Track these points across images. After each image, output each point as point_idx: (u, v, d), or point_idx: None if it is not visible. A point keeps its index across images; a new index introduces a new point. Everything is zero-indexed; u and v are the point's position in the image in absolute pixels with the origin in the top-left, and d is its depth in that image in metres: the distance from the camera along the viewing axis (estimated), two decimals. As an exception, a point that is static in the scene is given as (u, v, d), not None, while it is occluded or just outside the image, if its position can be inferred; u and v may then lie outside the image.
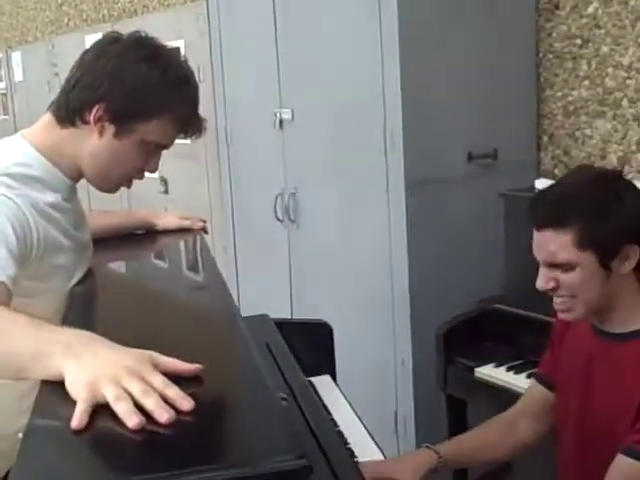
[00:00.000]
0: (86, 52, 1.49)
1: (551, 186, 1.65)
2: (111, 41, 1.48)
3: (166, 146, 1.53)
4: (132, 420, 0.85)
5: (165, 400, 0.88)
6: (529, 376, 2.27)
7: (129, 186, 1.57)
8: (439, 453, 1.70)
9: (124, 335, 1.15)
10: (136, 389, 0.89)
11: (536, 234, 1.59)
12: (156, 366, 0.94)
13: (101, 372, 0.91)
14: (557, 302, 1.60)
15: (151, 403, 0.87)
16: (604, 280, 1.54)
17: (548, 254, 1.56)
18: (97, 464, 0.80)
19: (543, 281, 1.58)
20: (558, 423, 1.77)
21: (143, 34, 1.50)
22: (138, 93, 1.43)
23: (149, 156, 1.51)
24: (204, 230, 1.94)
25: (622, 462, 1.47)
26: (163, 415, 0.86)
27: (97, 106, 1.43)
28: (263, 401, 0.93)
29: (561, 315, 1.63)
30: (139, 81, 1.43)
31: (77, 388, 0.90)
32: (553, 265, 1.56)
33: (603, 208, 1.52)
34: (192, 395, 0.88)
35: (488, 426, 1.85)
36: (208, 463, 0.77)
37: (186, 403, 0.88)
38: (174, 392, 0.89)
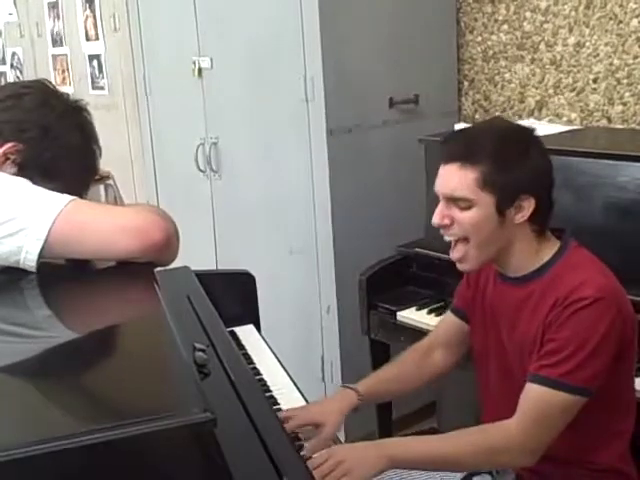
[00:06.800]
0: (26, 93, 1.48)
1: (467, 127, 1.68)
2: (54, 95, 1.50)
3: None
4: None
5: None
6: (450, 318, 2.32)
7: None
8: (358, 391, 1.76)
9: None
10: None
11: (442, 168, 1.61)
12: None
13: None
14: (453, 251, 1.64)
15: None
16: (497, 226, 1.58)
17: (449, 188, 1.59)
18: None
19: (438, 217, 1.62)
20: (476, 362, 1.81)
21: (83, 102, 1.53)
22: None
23: None
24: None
25: (531, 390, 1.53)
26: None
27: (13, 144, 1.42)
28: (168, 356, 0.93)
29: (459, 266, 1.66)
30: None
31: None
32: (451, 200, 1.59)
33: (510, 156, 1.56)
34: (96, 350, 0.87)
35: (404, 358, 1.90)
36: (109, 421, 0.76)
37: None
38: None
